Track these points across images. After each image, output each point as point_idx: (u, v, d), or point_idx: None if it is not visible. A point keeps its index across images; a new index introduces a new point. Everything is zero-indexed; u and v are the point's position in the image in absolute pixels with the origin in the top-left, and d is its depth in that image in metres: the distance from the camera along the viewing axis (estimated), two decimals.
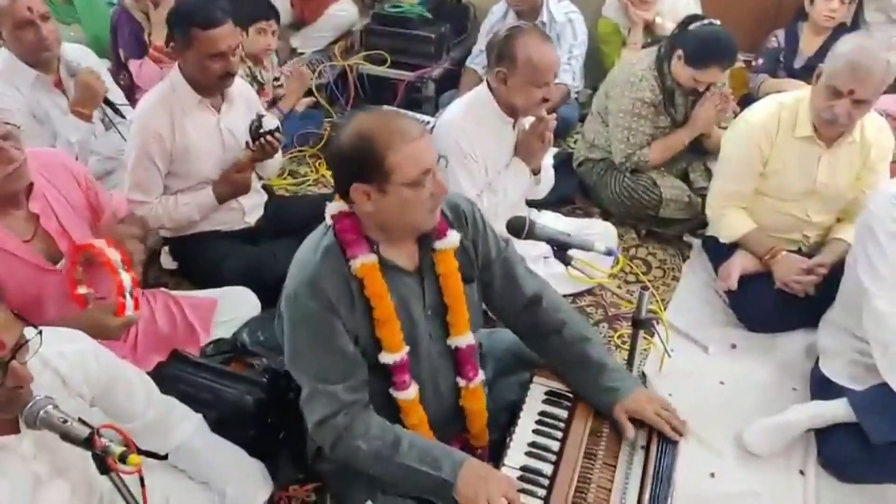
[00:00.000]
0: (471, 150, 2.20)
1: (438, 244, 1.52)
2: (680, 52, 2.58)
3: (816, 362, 2.13)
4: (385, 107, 3.28)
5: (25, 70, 2.30)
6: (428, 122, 3.30)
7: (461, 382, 1.60)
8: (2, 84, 2.27)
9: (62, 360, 1.32)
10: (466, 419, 1.63)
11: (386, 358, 1.48)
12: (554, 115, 2.28)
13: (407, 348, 1.49)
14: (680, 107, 2.72)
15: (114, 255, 1.67)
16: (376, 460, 1.44)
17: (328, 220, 1.48)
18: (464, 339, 1.57)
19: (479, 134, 2.22)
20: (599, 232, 2.57)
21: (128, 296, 1.69)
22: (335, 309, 1.42)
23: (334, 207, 1.49)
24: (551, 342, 1.63)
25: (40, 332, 1.21)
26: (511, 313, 1.67)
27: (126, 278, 1.68)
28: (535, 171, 2.35)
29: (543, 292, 1.65)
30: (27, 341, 1.18)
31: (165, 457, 1.58)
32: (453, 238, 1.53)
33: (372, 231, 1.47)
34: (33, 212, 1.71)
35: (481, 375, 1.62)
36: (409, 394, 1.52)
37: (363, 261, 1.43)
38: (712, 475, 1.94)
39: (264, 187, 2.63)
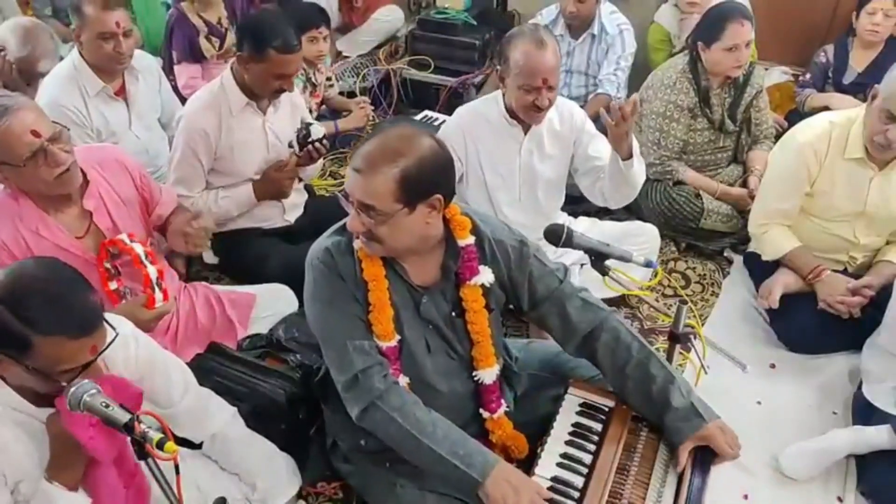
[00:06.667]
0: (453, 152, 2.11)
1: (471, 280, 1.53)
2: (700, 42, 2.58)
3: (859, 386, 2.07)
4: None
5: (93, 77, 2.37)
6: (436, 119, 3.32)
7: (485, 414, 1.61)
8: (68, 84, 2.34)
9: None
10: (496, 448, 1.61)
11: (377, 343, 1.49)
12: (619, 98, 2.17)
13: (397, 338, 1.50)
14: (716, 107, 2.69)
15: (138, 249, 1.69)
16: (407, 438, 1.43)
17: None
18: (491, 371, 1.58)
19: (477, 132, 2.17)
20: (645, 235, 2.49)
21: (156, 287, 1.72)
22: (343, 279, 1.47)
23: None
24: (614, 378, 1.59)
25: (115, 336, 1.28)
26: (569, 347, 1.65)
27: (152, 270, 1.71)
28: (625, 157, 2.08)
29: (603, 326, 1.58)
30: (108, 345, 1.27)
31: (199, 445, 1.62)
32: (485, 276, 1.54)
33: None
34: (87, 209, 1.76)
35: (504, 406, 1.63)
36: None
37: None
38: (746, 497, 1.90)
39: (305, 187, 2.67)
